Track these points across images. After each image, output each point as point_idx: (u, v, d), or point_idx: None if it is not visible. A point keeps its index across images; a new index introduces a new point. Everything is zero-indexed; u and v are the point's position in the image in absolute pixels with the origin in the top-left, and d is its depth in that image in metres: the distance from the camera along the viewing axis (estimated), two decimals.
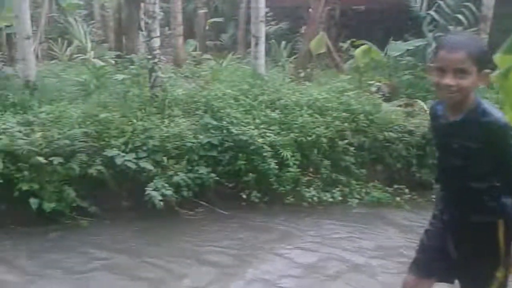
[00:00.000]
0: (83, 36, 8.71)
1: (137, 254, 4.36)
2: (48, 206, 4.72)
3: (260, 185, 5.29)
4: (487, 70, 1.95)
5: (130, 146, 5.16)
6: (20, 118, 5.32)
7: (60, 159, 4.83)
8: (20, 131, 5.02)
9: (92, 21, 11.79)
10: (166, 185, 4.95)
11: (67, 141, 4.98)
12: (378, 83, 6.81)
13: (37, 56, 6.61)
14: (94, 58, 7.90)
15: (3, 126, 5.07)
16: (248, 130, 5.40)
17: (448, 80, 1.89)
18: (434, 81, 1.98)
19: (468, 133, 2.01)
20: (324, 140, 5.50)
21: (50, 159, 4.80)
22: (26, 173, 4.75)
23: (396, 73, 8.05)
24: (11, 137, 4.89)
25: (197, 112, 5.81)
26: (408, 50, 8.43)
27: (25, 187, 4.70)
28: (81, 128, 5.19)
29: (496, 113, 1.96)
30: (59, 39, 9.37)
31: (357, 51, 7.78)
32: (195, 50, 10.54)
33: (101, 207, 5.04)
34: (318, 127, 5.58)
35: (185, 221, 5.07)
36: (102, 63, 7.08)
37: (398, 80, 7.70)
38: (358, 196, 5.44)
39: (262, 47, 7.17)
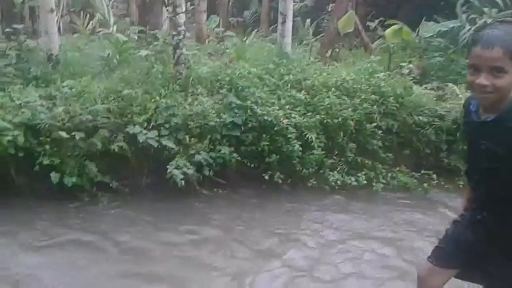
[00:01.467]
0: (106, 10, 8.59)
1: (155, 230, 4.32)
2: (69, 180, 4.68)
3: (283, 167, 5.16)
4: None
5: (152, 123, 5.07)
6: (43, 92, 5.27)
7: (82, 134, 4.78)
8: (42, 105, 4.98)
9: None
10: (188, 163, 4.86)
11: (89, 117, 4.91)
12: (409, 65, 6.53)
13: (59, 30, 6.51)
14: (116, 32, 7.79)
15: (26, 100, 5.03)
16: (272, 111, 5.25)
17: (483, 79, 1.72)
18: (468, 79, 1.80)
19: (497, 136, 1.82)
20: (351, 123, 5.32)
21: (72, 134, 4.75)
22: (47, 147, 4.72)
23: (427, 54, 7.74)
24: (33, 110, 4.85)
25: (221, 91, 5.67)
26: (440, 31, 8.09)
27: (46, 161, 4.67)
28: (104, 104, 5.11)
29: None
30: (81, 13, 9.29)
31: (388, 31, 7.49)
32: (217, 26, 10.34)
33: (122, 184, 5.00)
34: (346, 109, 5.40)
35: (205, 200, 4.99)
36: (125, 38, 6.95)
37: (429, 62, 7.40)
38: (384, 181, 5.28)
39: (289, 25, 6.97)
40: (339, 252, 3.95)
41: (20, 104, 4.96)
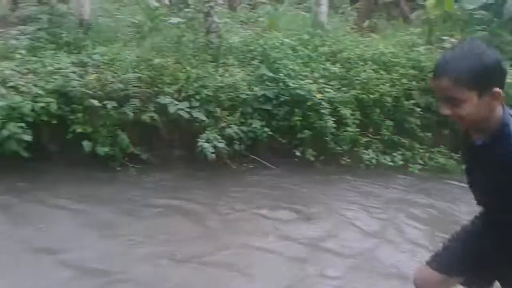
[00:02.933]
0: None
1: (185, 202, 4.27)
2: (102, 150, 4.68)
3: (316, 143, 5.04)
4: (496, 89, 1.48)
5: (183, 94, 4.98)
6: (74, 59, 5.22)
7: (114, 103, 4.74)
8: (74, 72, 4.94)
9: None
10: (219, 137, 4.79)
11: (121, 85, 4.85)
12: (452, 39, 6.20)
13: None
14: None
15: (58, 66, 5.00)
16: (305, 84, 5.09)
17: (443, 109, 1.53)
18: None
19: (488, 161, 1.61)
20: (388, 99, 5.12)
21: (104, 102, 4.72)
22: (79, 115, 4.70)
23: (469, 28, 7.33)
24: (65, 78, 4.82)
25: (252, 62, 5.52)
26: (484, 3, 7.62)
27: (79, 129, 4.66)
28: (135, 72, 5.03)
29: None
30: None
31: (429, 2, 7.10)
32: None
33: (152, 155, 4.97)
34: (383, 84, 5.19)
35: (236, 174, 4.92)
36: (156, 4, 6.80)
37: (472, 36, 7.01)
38: (421, 162, 5.10)
39: None
40: None
41: (52, 70, 4.94)
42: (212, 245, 3.47)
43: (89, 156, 4.66)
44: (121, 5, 7.46)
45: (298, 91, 5.03)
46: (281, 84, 5.13)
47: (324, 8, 6.69)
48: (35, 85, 4.70)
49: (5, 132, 4.35)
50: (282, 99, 5.09)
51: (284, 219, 3.95)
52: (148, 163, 4.90)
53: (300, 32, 6.13)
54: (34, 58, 5.18)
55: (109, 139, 4.71)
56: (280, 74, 5.17)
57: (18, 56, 5.21)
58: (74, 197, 4.20)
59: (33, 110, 4.50)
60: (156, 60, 5.21)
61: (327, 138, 4.99)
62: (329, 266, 3.24)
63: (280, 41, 5.73)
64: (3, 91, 4.58)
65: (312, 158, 4.99)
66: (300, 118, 5.01)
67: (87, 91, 4.74)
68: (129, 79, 4.95)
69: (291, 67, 5.26)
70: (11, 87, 4.67)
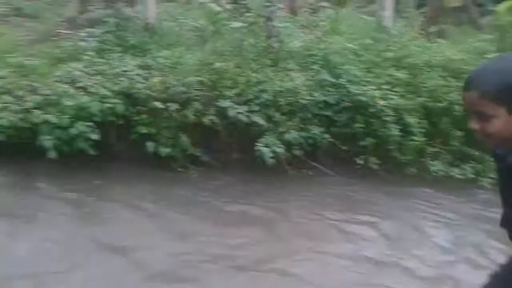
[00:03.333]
0: None
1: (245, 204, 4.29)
2: (164, 151, 4.76)
3: (379, 151, 4.87)
4: None
5: (242, 98, 4.99)
6: (140, 61, 5.36)
7: (176, 106, 4.82)
8: (139, 75, 5.07)
9: None
10: (278, 142, 4.74)
11: (183, 88, 4.93)
12: None
13: None
14: (211, 2, 7.73)
15: (124, 68, 5.15)
16: (368, 90, 4.94)
17: (472, 123, 1.44)
18: None
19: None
20: (458, 108, 4.86)
21: (167, 104, 4.81)
22: (144, 116, 4.82)
23: None
24: (131, 80, 4.95)
25: (313, 67, 5.42)
26: None
27: (143, 130, 4.78)
28: (197, 76, 5.10)
29: None
30: None
31: (501, 7, 6.72)
32: None
33: (212, 157, 5.01)
34: (452, 92, 4.93)
35: (296, 180, 4.85)
36: (218, 8, 6.88)
37: None
38: (493, 176, 4.79)
39: None
40: None
41: (119, 72, 5.10)
42: (281, 250, 3.43)
43: (152, 156, 4.77)
44: (185, 9, 7.60)
45: (360, 97, 4.89)
46: (342, 89, 5.01)
47: (389, 12, 6.50)
48: (103, 86, 4.87)
49: (74, 131, 4.53)
50: (343, 105, 4.97)
51: (355, 231, 3.85)
52: (207, 165, 4.94)
53: (363, 37, 5.98)
54: (101, 60, 5.37)
55: (171, 140, 4.79)
56: (342, 80, 5.06)
57: (86, 57, 5.42)
58: (143, 197, 4.33)
59: (100, 110, 4.66)
60: (217, 64, 5.25)
61: (391, 147, 4.81)
62: (400, 281, 3.10)
63: (342, 46, 5.61)
64: (73, 91, 4.78)
65: (375, 167, 4.82)
66: (362, 125, 4.86)
67: (151, 93, 4.85)
68: (191, 82, 5.02)
69: (353, 72, 5.14)
70: (79, 87, 4.87)
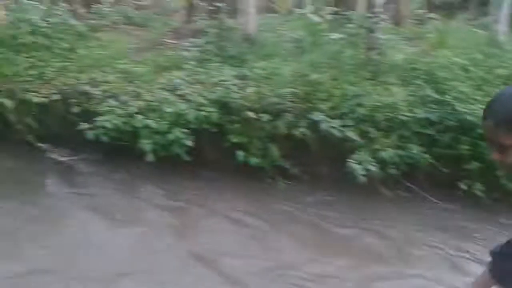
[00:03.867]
0: None
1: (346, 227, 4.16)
2: (254, 160, 4.78)
3: (485, 178, 4.41)
4: None
5: (337, 111, 4.83)
6: (237, 71, 5.46)
7: (269, 117, 4.81)
8: (235, 85, 5.16)
9: None
10: (371, 159, 4.51)
11: (276, 100, 4.91)
12: None
13: (258, 9, 6.67)
14: (311, 13, 7.68)
15: (221, 78, 5.27)
16: (477, 109, 4.50)
17: (491, 153, 1.38)
18: None
19: None
20: None
21: (260, 115, 4.81)
22: (237, 126, 4.87)
23: None
24: (227, 89, 5.05)
25: (415, 82, 5.10)
26: None
27: (235, 139, 4.83)
28: (291, 87, 5.05)
29: None
30: None
31: None
32: (420, 8, 9.45)
33: (301, 170, 4.91)
34: None
35: (391, 202, 4.58)
36: (318, 19, 6.79)
37: None
38: None
39: (506, 10, 5.91)
40: None
41: (216, 81, 5.23)
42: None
43: (242, 165, 4.80)
44: (285, 20, 7.63)
45: (467, 116, 4.49)
46: (447, 107, 4.64)
47: (503, 26, 5.93)
48: (200, 95, 5.02)
49: (171, 136, 4.72)
50: (447, 123, 4.59)
51: (471, 268, 3.55)
52: (296, 177, 4.85)
53: (473, 51, 5.51)
54: (201, 69, 5.56)
55: (261, 151, 4.78)
56: (447, 96, 4.68)
57: (187, 66, 5.65)
58: (239, 208, 4.41)
59: (196, 117, 4.81)
60: (313, 76, 5.16)
61: (499, 173, 4.34)
62: None
63: (449, 60, 5.21)
64: (172, 98, 4.99)
65: (479, 194, 4.37)
66: (468, 147, 4.45)
67: (246, 103, 4.90)
68: (285, 93, 4.98)
69: (460, 89, 4.74)
70: (179, 95, 5.07)
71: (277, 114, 4.87)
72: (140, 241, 3.75)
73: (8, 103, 5.17)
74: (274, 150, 4.80)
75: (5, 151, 5.17)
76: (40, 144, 5.23)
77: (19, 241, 3.66)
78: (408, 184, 4.65)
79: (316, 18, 6.81)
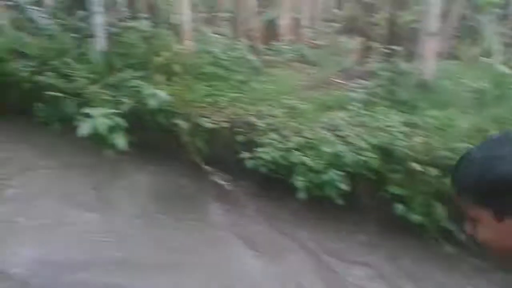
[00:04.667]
0: (492, 37, 7.75)
1: None
2: (416, 218, 4.35)
3: None
4: None
5: None
6: (406, 118, 5.11)
7: (437, 172, 4.34)
8: (401, 132, 4.82)
9: (507, 22, 10.46)
10: None
11: (447, 154, 4.42)
12: None
13: (439, 55, 6.20)
14: (500, 63, 6.89)
15: (387, 123, 4.98)
16: None
17: (466, 226, 1.13)
18: None
19: None
20: None
21: (427, 168, 4.38)
22: (399, 176, 4.52)
23: None
24: (392, 136, 4.73)
25: None
26: None
27: (396, 190, 4.48)
28: (466, 142, 4.50)
29: None
30: (467, 39, 8.69)
31: None
32: None
33: (468, 236, 4.28)
34: None
35: None
36: (506, 70, 6.03)
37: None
38: None
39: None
40: None
41: (381, 126, 4.95)
42: None
43: (399, 219, 4.41)
44: (467, 68, 6.98)
45: None
46: None
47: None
48: (362, 138, 4.80)
49: (326, 177, 4.59)
50: None
51: None
52: (461, 244, 4.25)
53: None
54: (366, 112, 5.34)
55: (424, 207, 4.33)
56: None
57: (352, 107, 5.49)
58: (402, 273, 4.13)
59: (354, 161, 4.59)
60: (492, 132, 4.53)
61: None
62: None
63: None
64: (332, 138, 4.86)
65: None
66: None
67: (411, 153, 4.52)
68: (458, 148, 4.45)
69: None
70: (339, 136, 4.92)
71: (446, 169, 4.37)
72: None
73: (184, 125, 5.66)
74: (440, 210, 4.30)
75: (178, 170, 5.66)
76: (205, 166, 5.60)
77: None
78: None
79: (505, 69, 6.08)
